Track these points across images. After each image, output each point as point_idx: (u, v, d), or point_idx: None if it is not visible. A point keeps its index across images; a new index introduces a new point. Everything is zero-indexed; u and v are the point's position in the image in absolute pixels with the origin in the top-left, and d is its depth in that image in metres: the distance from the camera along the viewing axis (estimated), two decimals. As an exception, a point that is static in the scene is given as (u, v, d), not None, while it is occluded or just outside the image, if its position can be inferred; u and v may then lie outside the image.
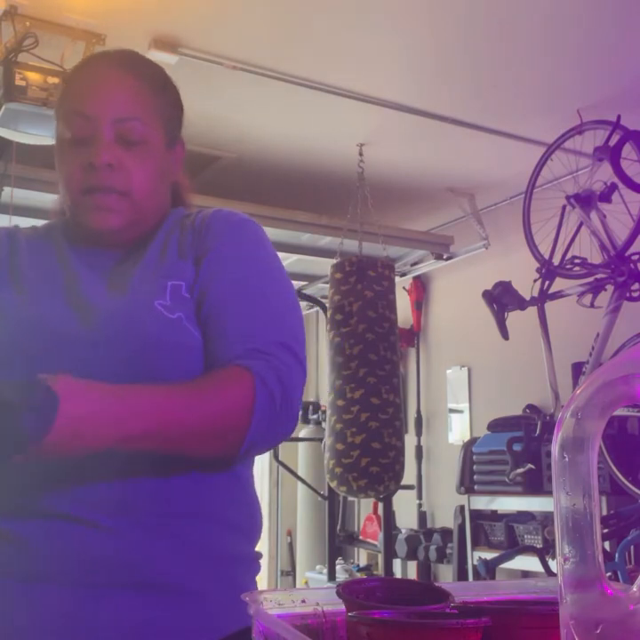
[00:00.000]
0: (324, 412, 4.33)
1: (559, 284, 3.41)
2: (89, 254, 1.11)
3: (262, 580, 5.94)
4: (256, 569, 1.10)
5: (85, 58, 1.18)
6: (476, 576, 3.68)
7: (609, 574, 2.43)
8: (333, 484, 3.67)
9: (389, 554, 4.17)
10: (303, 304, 5.32)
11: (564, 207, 3.42)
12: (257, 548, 1.12)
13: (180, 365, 1.02)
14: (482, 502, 4.02)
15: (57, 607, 0.95)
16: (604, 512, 3.02)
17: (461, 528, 4.10)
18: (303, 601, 0.75)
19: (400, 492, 4.23)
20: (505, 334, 3.50)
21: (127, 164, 1.07)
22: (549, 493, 3.34)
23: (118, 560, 0.96)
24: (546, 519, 3.64)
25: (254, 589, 1.06)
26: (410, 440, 4.79)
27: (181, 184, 1.22)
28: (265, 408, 0.99)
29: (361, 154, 3.97)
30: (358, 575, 4.92)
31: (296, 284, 5.08)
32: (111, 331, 1.01)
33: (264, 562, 5.68)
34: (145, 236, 1.13)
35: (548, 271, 3.43)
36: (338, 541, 4.83)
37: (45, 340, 1.01)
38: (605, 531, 2.76)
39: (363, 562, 5.40)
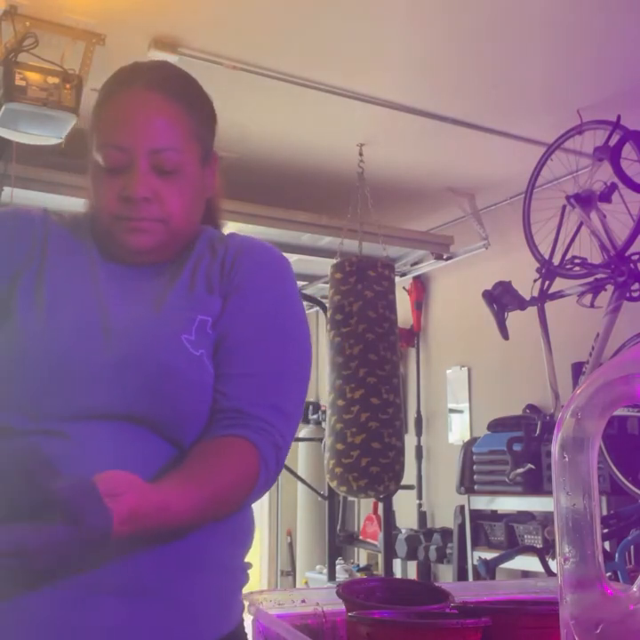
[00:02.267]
0: (324, 412, 4.33)
1: (559, 283, 3.41)
2: (118, 267, 1.10)
3: (262, 580, 5.94)
4: (245, 580, 1.10)
5: (117, 74, 1.12)
6: (476, 576, 3.68)
7: (609, 574, 2.43)
8: (333, 484, 3.67)
9: (389, 554, 4.17)
10: (303, 304, 5.32)
11: (564, 207, 3.42)
12: (254, 551, 1.13)
13: (194, 401, 1.03)
14: (482, 502, 4.02)
15: (43, 609, 0.93)
16: (604, 512, 3.02)
17: (461, 528, 4.10)
18: (303, 601, 0.75)
19: (400, 492, 4.22)
20: (505, 334, 3.50)
21: (163, 195, 1.06)
22: (549, 493, 3.34)
23: (109, 563, 0.95)
24: (546, 519, 3.63)
25: (240, 599, 1.07)
26: (410, 440, 4.79)
27: (214, 191, 1.20)
28: (261, 488, 1.04)
29: (361, 154, 3.96)
30: (358, 575, 4.92)
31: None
32: (132, 357, 1.01)
33: (264, 562, 5.64)
34: (176, 254, 1.12)
35: (548, 271, 3.42)
36: (338, 541, 4.83)
37: (61, 358, 1.00)
38: (605, 531, 2.76)
39: (363, 562, 5.40)
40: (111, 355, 1.00)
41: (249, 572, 1.12)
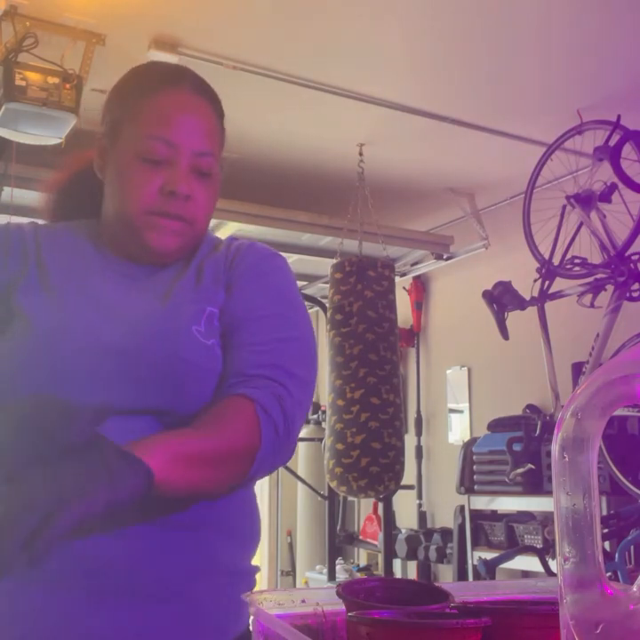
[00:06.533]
0: (324, 412, 4.33)
1: (559, 283, 3.41)
2: (120, 264, 1.12)
3: (262, 580, 5.95)
4: (252, 583, 1.11)
5: (159, 70, 1.17)
6: (476, 576, 3.68)
7: (609, 574, 2.43)
8: (333, 484, 3.67)
9: (389, 554, 4.17)
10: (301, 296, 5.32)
11: (564, 207, 3.42)
12: (255, 553, 1.13)
13: (206, 390, 1.03)
14: (482, 502, 4.02)
15: (54, 611, 0.94)
16: (604, 512, 3.02)
17: (461, 528, 4.10)
18: (303, 601, 0.75)
19: (400, 492, 4.22)
20: (505, 334, 3.50)
21: (198, 196, 1.10)
22: (549, 493, 3.34)
23: (120, 566, 0.95)
24: (546, 519, 3.63)
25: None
26: (410, 440, 4.79)
27: None
28: (268, 443, 1.00)
29: (361, 154, 3.96)
30: (358, 575, 4.92)
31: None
32: (144, 352, 1.01)
33: (264, 562, 5.63)
34: (187, 255, 1.15)
35: (548, 271, 3.42)
36: (338, 541, 4.83)
37: (71, 348, 1.00)
38: (605, 531, 2.76)
39: (363, 562, 5.40)
40: (122, 352, 1.00)
41: (256, 575, 1.13)
